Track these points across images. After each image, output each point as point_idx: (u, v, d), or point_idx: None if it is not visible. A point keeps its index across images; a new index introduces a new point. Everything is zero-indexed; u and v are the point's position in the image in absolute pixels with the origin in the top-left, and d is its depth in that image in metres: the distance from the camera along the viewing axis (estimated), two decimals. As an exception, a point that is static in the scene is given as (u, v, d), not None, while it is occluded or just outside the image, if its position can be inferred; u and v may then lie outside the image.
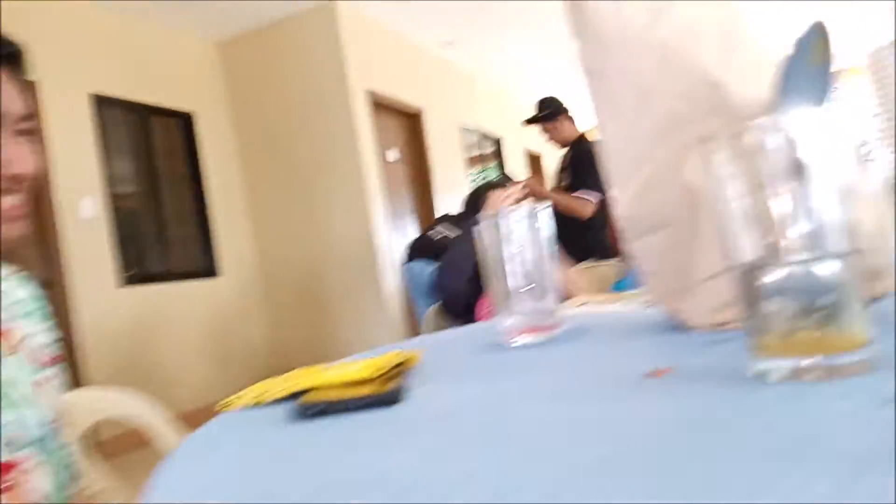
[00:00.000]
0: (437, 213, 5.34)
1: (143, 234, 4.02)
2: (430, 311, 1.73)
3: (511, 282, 0.68)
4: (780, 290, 0.34)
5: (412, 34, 5.22)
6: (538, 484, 0.26)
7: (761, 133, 0.35)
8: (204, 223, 4.41)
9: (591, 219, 3.01)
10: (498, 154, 7.24)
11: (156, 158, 4.15)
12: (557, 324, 0.68)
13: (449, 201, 5.56)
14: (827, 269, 0.33)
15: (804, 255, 0.34)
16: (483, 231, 0.69)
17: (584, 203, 3.01)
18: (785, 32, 0.52)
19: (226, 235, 4.52)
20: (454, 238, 1.60)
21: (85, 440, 0.93)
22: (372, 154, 4.58)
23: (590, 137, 3.22)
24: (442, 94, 5.80)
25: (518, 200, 2.03)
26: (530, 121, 3.31)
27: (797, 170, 0.34)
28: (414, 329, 4.39)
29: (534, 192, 3.05)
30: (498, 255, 0.68)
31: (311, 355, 4.56)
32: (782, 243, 0.34)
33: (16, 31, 0.66)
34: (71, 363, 3.17)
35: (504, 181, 1.73)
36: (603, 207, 2.96)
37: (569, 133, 3.20)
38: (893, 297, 0.49)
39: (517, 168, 7.32)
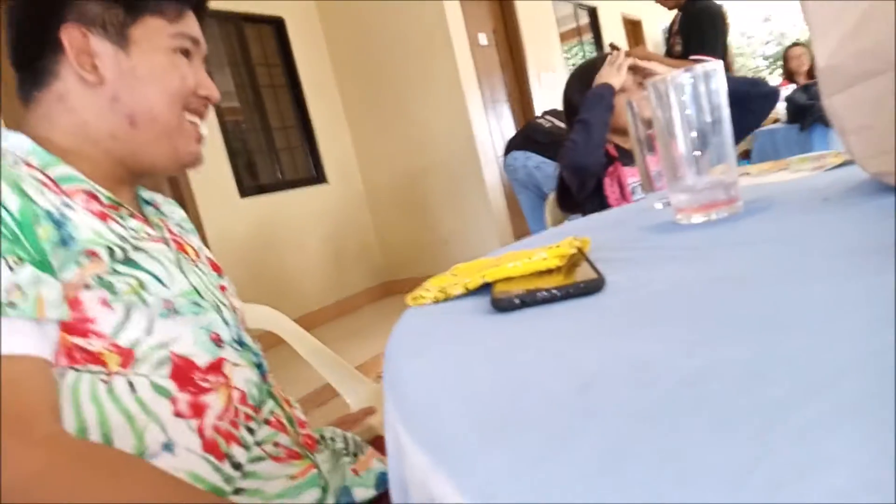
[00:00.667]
0: (535, 96, 5.12)
1: (252, 147, 4.17)
2: (551, 201, 1.67)
3: (683, 152, 0.62)
4: None
5: None
6: (820, 371, 0.23)
7: None
8: (308, 131, 4.49)
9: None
10: (594, 25, 6.72)
11: (254, 69, 4.20)
12: (737, 197, 0.62)
13: (546, 83, 5.30)
14: None
15: None
16: (651, 94, 0.62)
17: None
18: None
19: (327, 142, 4.59)
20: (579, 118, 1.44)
21: None
22: (464, 41, 4.38)
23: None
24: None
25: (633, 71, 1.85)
26: (637, -19, 2.99)
27: None
28: (520, 222, 4.37)
29: (644, 60, 2.82)
30: (668, 122, 0.62)
31: (421, 255, 4.69)
32: None
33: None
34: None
35: (606, 54, 1.51)
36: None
37: (681, -11, 2.86)
38: None
39: (616, 38, 6.79)
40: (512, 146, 3.19)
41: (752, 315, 0.32)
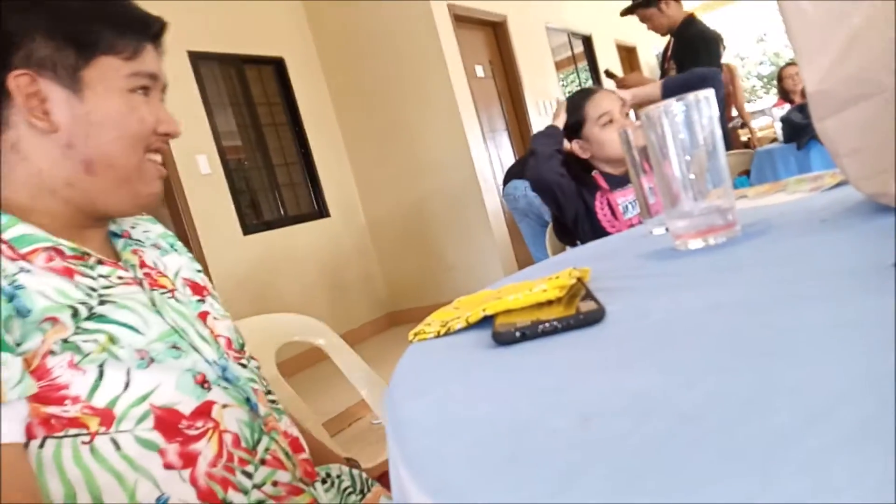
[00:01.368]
0: (533, 125, 5.17)
1: (255, 184, 4.21)
2: (552, 229, 1.68)
3: (678, 179, 0.62)
4: None
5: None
6: (820, 399, 0.23)
7: None
8: (309, 167, 4.54)
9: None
10: (589, 53, 6.83)
11: (256, 109, 4.26)
12: (735, 222, 0.62)
13: (545, 112, 5.36)
14: None
15: None
16: (644, 122, 0.63)
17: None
18: None
19: (329, 177, 4.63)
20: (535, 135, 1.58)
21: (271, 362, 1.01)
22: (461, 73, 4.45)
23: (697, 18, 2.93)
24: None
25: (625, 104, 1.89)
26: (628, 10, 3.04)
27: None
28: (523, 249, 4.38)
29: (637, 86, 2.86)
30: (661, 148, 0.62)
31: (424, 285, 4.69)
32: None
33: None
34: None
35: (604, 82, 1.61)
36: (718, 96, 2.72)
37: (673, 16, 2.91)
38: None
39: (611, 65, 6.88)
40: (511, 175, 3.22)
41: (752, 343, 0.32)
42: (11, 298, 0.55)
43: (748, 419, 0.24)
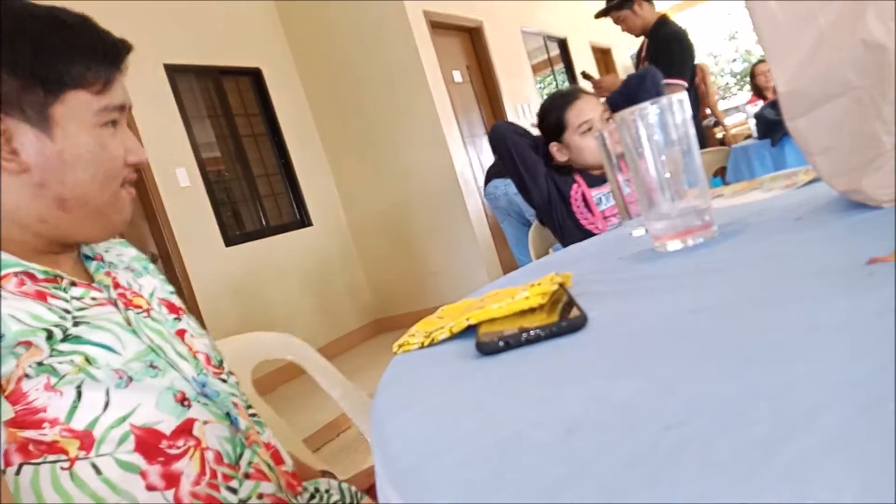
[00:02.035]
0: (512, 128, 5.19)
1: (236, 196, 4.18)
2: (534, 229, 1.69)
3: (654, 180, 0.63)
4: None
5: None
6: (801, 405, 0.23)
7: None
8: (290, 176, 4.52)
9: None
10: (565, 55, 6.88)
11: (234, 120, 4.24)
12: (712, 222, 0.63)
13: (522, 115, 5.39)
14: None
15: None
16: (620, 126, 0.63)
17: (674, 90, 2.80)
18: None
19: (310, 185, 4.61)
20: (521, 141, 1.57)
21: (247, 381, 1.00)
22: (439, 79, 4.46)
23: (670, 18, 2.97)
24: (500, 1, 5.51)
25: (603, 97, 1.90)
26: (603, 12, 3.07)
27: None
28: (506, 252, 4.39)
29: (615, 88, 2.88)
30: (637, 151, 0.63)
31: (410, 291, 4.68)
32: None
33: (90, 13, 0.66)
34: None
35: (580, 83, 1.62)
36: (692, 95, 2.76)
37: (647, 18, 2.94)
38: None
39: (587, 67, 6.94)
40: (491, 175, 3.23)
41: (732, 348, 0.32)
42: None
43: (730, 428, 0.24)
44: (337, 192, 4.85)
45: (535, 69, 6.16)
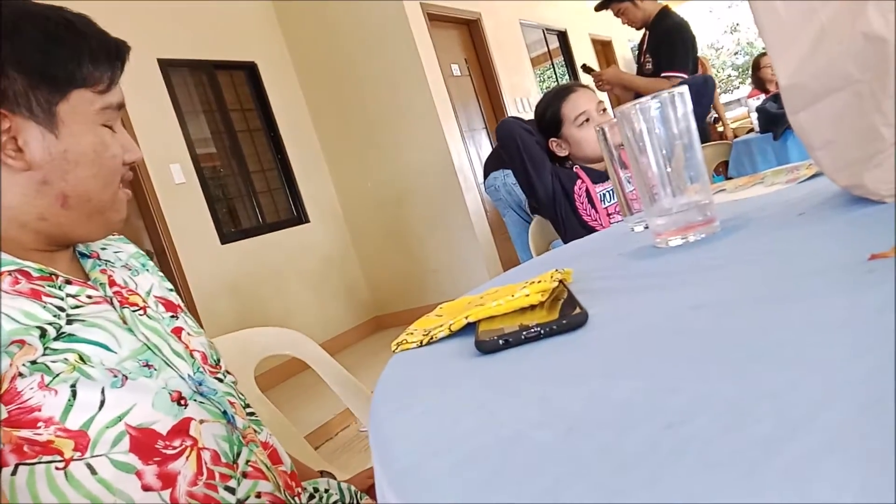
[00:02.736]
0: (511, 122, 5.17)
1: (232, 192, 4.16)
2: (535, 225, 1.68)
3: (655, 175, 0.62)
4: None
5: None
6: (803, 404, 0.23)
7: None
8: (287, 172, 4.50)
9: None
10: (565, 48, 6.85)
11: (229, 115, 4.22)
12: (714, 218, 0.63)
13: (523, 108, 5.37)
14: None
15: None
16: (621, 120, 0.63)
17: (675, 83, 2.79)
18: None
19: (307, 181, 4.59)
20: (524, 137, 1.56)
21: (250, 379, 1.00)
22: (437, 72, 4.44)
23: (671, 10, 2.95)
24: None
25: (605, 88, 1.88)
26: (603, 5, 3.05)
27: None
28: (506, 248, 4.38)
29: (616, 82, 2.87)
30: (639, 146, 0.62)
31: (408, 288, 4.67)
32: None
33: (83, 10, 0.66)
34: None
35: (581, 76, 1.61)
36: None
37: (647, 10, 2.93)
38: None
39: (588, 59, 6.91)
40: (489, 168, 3.23)
41: (733, 346, 0.32)
42: None
43: (731, 428, 0.24)
44: (334, 189, 4.83)
45: (535, 62, 6.14)
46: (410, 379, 0.44)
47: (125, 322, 0.64)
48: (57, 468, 0.54)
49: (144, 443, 0.58)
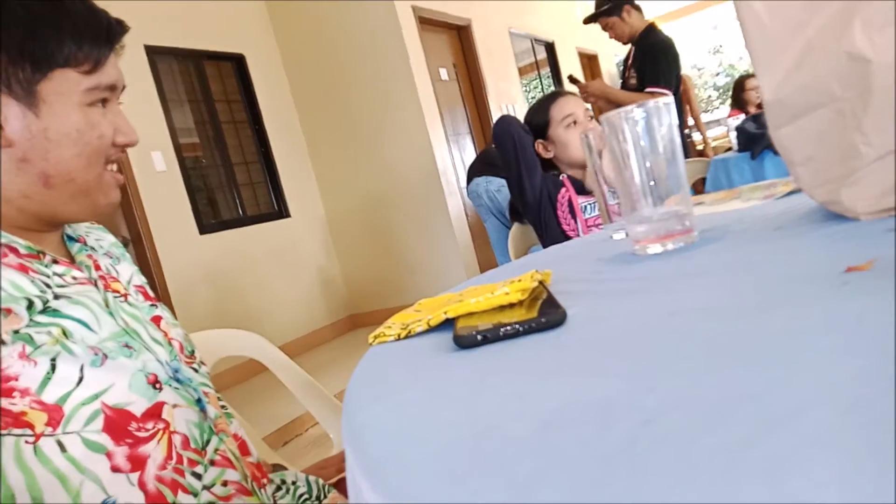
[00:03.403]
0: (496, 129, 5.20)
1: (213, 183, 4.11)
2: (515, 230, 1.69)
3: (637, 184, 0.63)
4: None
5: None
6: (782, 405, 0.23)
7: None
8: (269, 166, 4.46)
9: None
10: (552, 59, 6.91)
11: (214, 106, 4.17)
12: (692, 228, 0.63)
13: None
14: None
15: None
16: (606, 128, 0.63)
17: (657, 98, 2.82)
18: None
19: (290, 176, 4.56)
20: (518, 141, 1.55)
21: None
22: (425, 76, 4.44)
23: (657, 27, 3.00)
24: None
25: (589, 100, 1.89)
26: (591, 18, 3.09)
27: None
28: (485, 252, 4.39)
29: (600, 94, 2.90)
30: (622, 154, 0.63)
31: (386, 287, 4.66)
32: None
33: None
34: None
35: (566, 86, 1.63)
36: (676, 104, 2.78)
37: (635, 25, 2.97)
38: None
39: (574, 71, 6.98)
40: (472, 173, 3.24)
41: (712, 349, 0.32)
42: None
43: (709, 426, 0.24)
44: (316, 185, 4.80)
45: (522, 72, 6.18)
46: (386, 371, 0.43)
47: (108, 305, 0.64)
48: (27, 442, 0.53)
49: (118, 423, 0.57)
